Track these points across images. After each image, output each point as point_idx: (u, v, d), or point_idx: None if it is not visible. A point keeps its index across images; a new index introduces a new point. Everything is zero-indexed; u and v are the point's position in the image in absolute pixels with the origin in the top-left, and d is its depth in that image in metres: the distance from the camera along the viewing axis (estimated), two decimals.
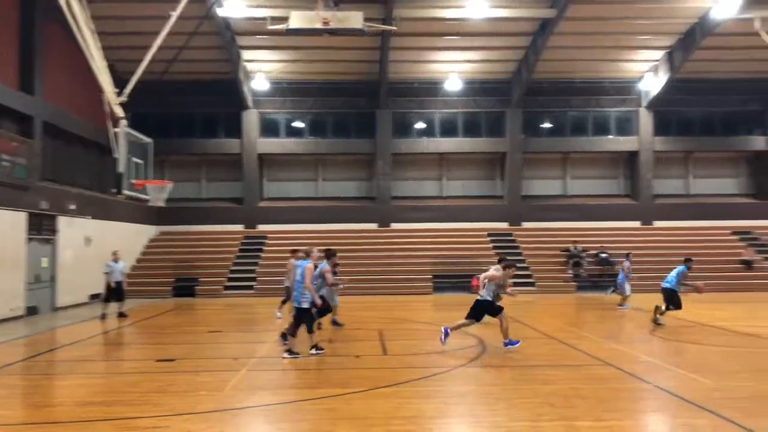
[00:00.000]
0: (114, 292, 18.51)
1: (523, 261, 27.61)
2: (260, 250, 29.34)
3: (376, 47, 27.65)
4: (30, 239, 19.45)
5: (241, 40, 27.71)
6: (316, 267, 13.31)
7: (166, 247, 29.26)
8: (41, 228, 20.32)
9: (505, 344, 12.02)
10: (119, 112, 19.52)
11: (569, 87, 31.63)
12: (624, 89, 31.80)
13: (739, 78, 31.18)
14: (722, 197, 32.70)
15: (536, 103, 31.56)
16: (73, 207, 22.18)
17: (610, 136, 32.39)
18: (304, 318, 11.60)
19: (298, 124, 32.19)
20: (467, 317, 12.36)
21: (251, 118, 31.34)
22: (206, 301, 24.77)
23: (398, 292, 25.72)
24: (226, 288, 26.72)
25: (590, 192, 32.91)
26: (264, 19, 22.57)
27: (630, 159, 32.80)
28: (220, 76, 29.25)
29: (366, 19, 20.17)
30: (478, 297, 12.31)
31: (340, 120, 32.09)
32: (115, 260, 18.71)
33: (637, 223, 31.83)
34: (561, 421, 7.45)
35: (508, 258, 16.26)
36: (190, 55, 26.12)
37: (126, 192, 19.91)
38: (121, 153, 19.39)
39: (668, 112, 31.97)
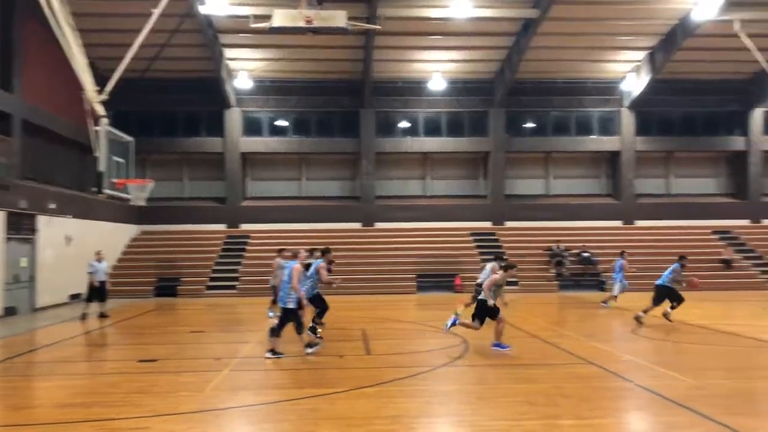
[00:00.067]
0: (97, 292, 18.34)
1: (506, 261, 27.62)
2: (243, 250, 29.19)
3: (360, 46, 27.62)
4: (9, 239, 19.20)
5: (224, 38, 27.56)
6: (307, 267, 13.27)
7: (148, 247, 29.02)
8: (20, 227, 20.05)
9: (494, 345, 12.04)
10: (100, 110, 19.34)
11: (552, 87, 31.81)
12: (606, 89, 32.03)
13: (719, 79, 31.57)
14: (702, 197, 33.05)
15: (519, 103, 31.69)
16: (53, 206, 21.93)
17: (593, 136, 32.61)
18: (290, 318, 11.56)
19: (282, 122, 32.08)
20: (472, 319, 12.28)
21: (234, 117, 31.18)
22: (188, 301, 24.60)
23: (382, 292, 25.70)
24: (209, 288, 26.55)
25: (573, 191, 33.13)
26: (247, 17, 22.46)
27: (612, 159, 33.05)
28: (202, 74, 29.07)
29: (350, 18, 20.18)
30: (480, 298, 12.32)
31: (323, 119, 32.02)
32: (99, 260, 18.55)
33: (618, 223, 32.08)
34: (543, 419, 7.48)
35: (504, 258, 16.28)
36: (172, 52, 26.04)
37: (107, 191, 19.75)
38: (101, 152, 19.22)
39: (650, 113, 32.25)
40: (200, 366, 11.19)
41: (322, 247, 14.56)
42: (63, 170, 24.47)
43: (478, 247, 29.57)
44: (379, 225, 31.49)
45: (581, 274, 27.88)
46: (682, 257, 16.50)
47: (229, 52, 28.75)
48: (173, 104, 30.78)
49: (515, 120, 32.38)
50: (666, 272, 16.16)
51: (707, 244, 29.98)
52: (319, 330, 13.29)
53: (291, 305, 11.43)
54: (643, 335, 14.46)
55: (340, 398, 8.57)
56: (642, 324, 15.75)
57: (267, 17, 20.34)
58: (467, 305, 15.59)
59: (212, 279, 27.08)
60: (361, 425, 7.34)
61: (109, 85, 19.60)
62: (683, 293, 16.07)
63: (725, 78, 31.57)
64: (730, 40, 25.97)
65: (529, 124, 32.80)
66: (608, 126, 32.53)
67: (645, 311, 16.03)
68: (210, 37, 26.26)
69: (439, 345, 12.97)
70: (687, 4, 25.42)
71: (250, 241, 29.87)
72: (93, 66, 20.89)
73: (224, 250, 29.29)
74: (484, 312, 12.02)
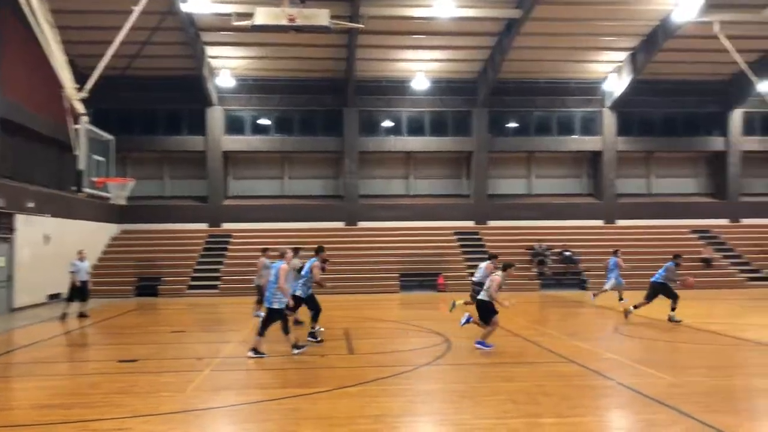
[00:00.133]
0: (78, 292, 18.17)
1: (496, 257, 27.72)
2: (225, 249, 29.03)
3: (343, 45, 27.56)
4: None
5: (206, 36, 27.37)
6: (300, 268, 13.14)
7: (129, 246, 28.76)
8: None
9: (478, 343, 12.06)
10: (80, 108, 19.11)
11: (534, 87, 31.97)
12: (588, 90, 32.25)
13: (699, 80, 31.90)
14: (682, 197, 33.41)
15: (502, 102, 31.81)
16: (31, 205, 21.64)
17: (575, 136, 32.82)
18: (275, 318, 11.50)
19: (264, 121, 31.94)
20: (479, 319, 12.31)
21: (216, 115, 30.99)
22: (169, 300, 24.42)
23: (365, 291, 25.68)
24: (190, 287, 26.37)
25: (555, 191, 33.33)
26: (229, 15, 22.29)
27: (593, 159, 33.28)
28: (183, 72, 28.84)
29: (333, 17, 20.08)
30: (479, 298, 12.33)
31: (306, 118, 31.92)
32: (81, 259, 18.40)
33: (600, 222, 32.32)
34: (525, 418, 7.51)
35: (495, 255, 16.35)
36: (153, 50, 25.82)
37: (86, 190, 19.52)
38: (81, 150, 18.99)
39: (631, 113, 32.53)
40: (181, 366, 11.10)
41: (315, 246, 14.28)
42: (42, 169, 24.18)
43: (462, 246, 29.64)
44: (362, 224, 31.46)
45: (563, 273, 28.07)
46: (676, 256, 16.45)
47: (210, 50, 28.56)
48: (154, 102, 30.54)
49: (498, 120, 32.50)
50: (660, 270, 16.12)
51: (687, 243, 30.26)
52: (320, 335, 13.18)
53: (276, 305, 11.37)
54: (625, 334, 14.57)
55: (322, 398, 8.54)
56: (627, 318, 15.92)
57: (249, 15, 20.18)
58: (467, 303, 15.76)
59: (194, 278, 26.90)
60: (344, 425, 7.31)
61: (89, 83, 19.37)
62: (679, 292, 16.05)
63: (705, 79, 31.92)
64: (710, 42, 26.23)
65: (512, 124, 32.94)
66: (590, 126, 32.76)
67: (636, 306, 16.08)
68: (191, 34, 26.06)
69: (421, 344, 12.98)
70: (668, 5, 25.66)
71: (232, 240, 29.71)
72: (73, 63, 20.64)
73: (206, 249, 29.11)
74: (489, 312, 12.04)
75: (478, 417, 7.60)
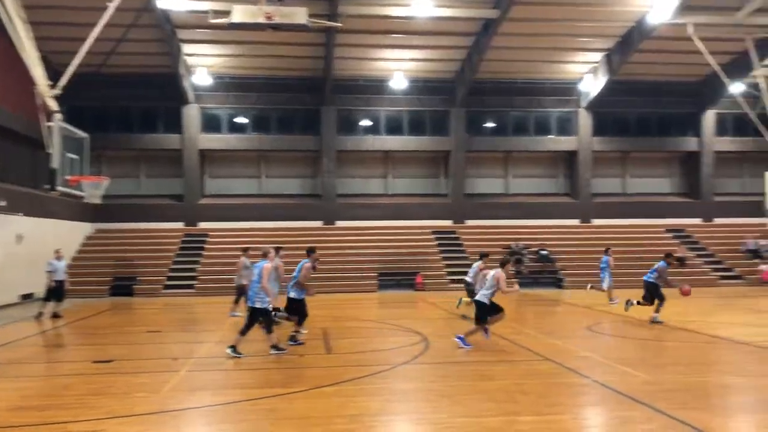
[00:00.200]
0: (55, 292, 17.91)
1: (466, 258, 27.92)
2: (201, 249, 28.81)
3: (322, 44, 27.48)
4: None
5: (182, 34, 27.12)
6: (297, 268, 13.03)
7: (103, 245, 28.41)
8: None
9: (459, 338, 12.09)
10: (53, 105, 18.80)
11: (511, 87, 32.14)
12: (564, 90, 32.51)
13: (673, 81, 32.30)
14: (657, 196, 33.86)
15: (479, 102, 31.95)
16: (3, 203, 21.27)
17: (551, 136, 33.07)
18: (258, 318, 11.44)
19: (241, 119, 31.73)
20: (474, 318, 12.33)
21: (192, 113, 30.72)
22: (145, 300, 24.17)
23: (343, 290, 25.64)
24: (166, 287, 26.13)
25: (531, 190, 33.57)
26: (205, 12, 22.13)
27: (569, 158, 33.56)
28: (159, 69, 28.53)
29: (311, 15, 20.03)
30: (476, 299, 12.36)
31: (284, 116, 31.77)
32: (58, 258, 18.18)
33: (576, 221, 32.61)
34: (503, 416, 7.54)
35: (486, 254, 16.45)
36: (128, 47, 25.52)
37: (60, 188, 19.21)
38: (54, 148, 18.68)
39: (606, 113, 32.86)
40: (157, 366, 10.99)
41: (308, 246, 14.02)
42: (14, 167, 23.77)
43: (439, 245, 29.73)
44: (340, 223, 31.41)
45: (540, 272, 28.26)
46: (668, 255, 16.15)
47: (187, 48, 28.30)
48: (129, 100, 30.20)
49: (476, 119, 32.64)
50: (651, 269, 15.81)
51: (661, 242, 30.62)
52: (301, 336, 13.03)
53: (258, 305, 11.32)
54: (601, 332, 14.73)
55: (299, 398, 8.50)
56: (627, 310, 16.38)
57: (226, 13, 20.05)
58: (468, 303, 15.87)
59: (170, 278, 26.66)
60: (321, 424, 7.29)
61: (63, 80, 19.06)
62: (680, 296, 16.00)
63: (679, 80, 32.33)
64: (684, 44, 26.57)
65: (489, 124, 33.11)
66: (566, 126, 33.03)
67: (638, 302, 15.93)
68: (168, 32, 25.81)
69: (400, 343, 12.99)
70: (643, 7, 25.96)
71: (208, 239, 29.48)
72: (46, 60, 20.30)
73: (182, 248, 28.87)
74: (491, 311, 12.07)
75: (456, 415, 7.61)
